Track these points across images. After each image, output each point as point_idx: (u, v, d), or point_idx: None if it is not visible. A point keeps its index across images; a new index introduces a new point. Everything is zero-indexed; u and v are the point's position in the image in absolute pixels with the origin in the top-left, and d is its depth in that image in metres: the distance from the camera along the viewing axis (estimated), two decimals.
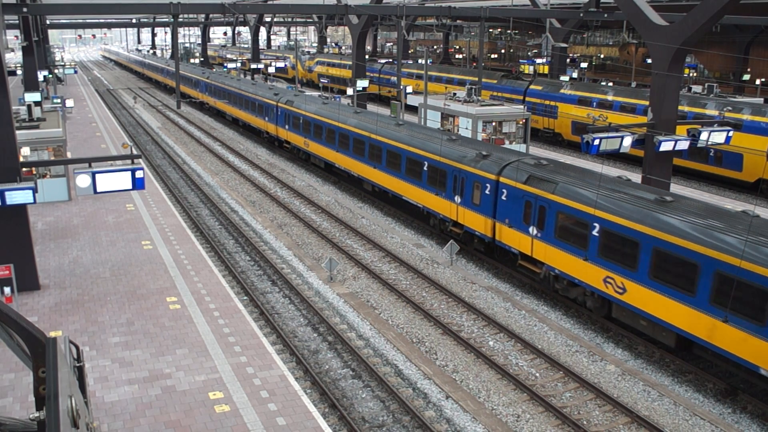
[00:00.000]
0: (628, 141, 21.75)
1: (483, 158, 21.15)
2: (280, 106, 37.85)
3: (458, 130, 32.46)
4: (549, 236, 18.26)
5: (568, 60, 53.00)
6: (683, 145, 22.28)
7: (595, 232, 16.73)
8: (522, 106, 35.11)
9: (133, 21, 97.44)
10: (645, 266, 15.36)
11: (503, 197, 19.90)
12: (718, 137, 23.09)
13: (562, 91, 41.45)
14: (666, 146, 21.83)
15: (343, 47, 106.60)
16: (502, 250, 20.92)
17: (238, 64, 75.50)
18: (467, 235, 22.31)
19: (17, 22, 35.71)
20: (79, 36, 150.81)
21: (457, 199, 22.05)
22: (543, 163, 19.69)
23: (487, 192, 20.63)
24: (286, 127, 37.07)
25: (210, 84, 54.97)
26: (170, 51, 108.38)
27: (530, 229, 18.90)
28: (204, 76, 57.75)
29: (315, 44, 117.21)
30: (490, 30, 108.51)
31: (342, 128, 30.07)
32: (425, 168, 23.79)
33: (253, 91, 43.39)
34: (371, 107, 47.61)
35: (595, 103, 38.91)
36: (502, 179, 20.00)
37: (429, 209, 23.99)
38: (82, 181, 16.30)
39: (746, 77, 62.13)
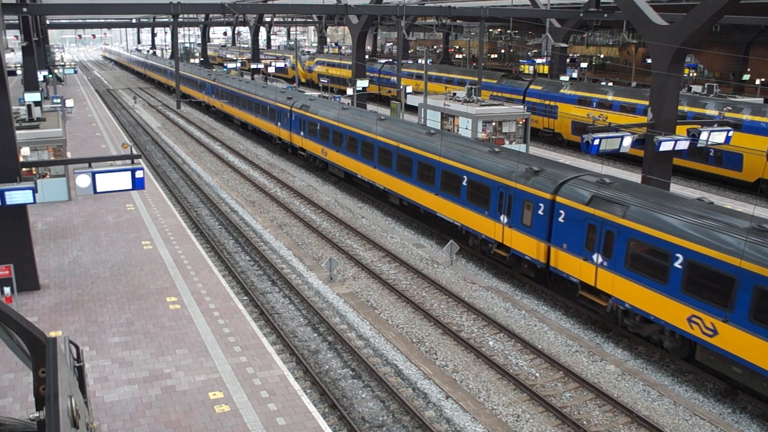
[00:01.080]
0: (628, 141, 21.76)
1: (534, 174, 18.96)
2: (295, 111, 35.57)
3: (458, 130, 32.45)
4: (618, 266, 16.10)
5: (568, 60, 52.99)
6: (683, 145, 22.29)
7: (678, 264, 14.65)
8: (522, 106, 35.12)
9: (133, 21, 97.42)
10: (744, 306, 13.38)
11: (560, 219, 17.72)
12: (718, 137, 23.10)
13: (562, 91, 41.45)
14: (666, 146, 21.84)
15: (343, 47, 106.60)
16: (557, 277, 18.87)
17: (238, 64, 75.50)
18: (514, 258, 20.03)
19: (17, 22, 35.71)
20: (79, 36, 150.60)
21: (504, 218, 19.91)
22: (606, 182, 17.52)
23: (540, 212, 18.42)
24: (302, 133, 34.83)
25: (216, 86, 52.63)
26: (170, 51, 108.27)
27: (594, 257, 16.75)
28: (210, 77, 55.52)
29: (315, 44, 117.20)
30: (490, 30, 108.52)
31: (366, 137, 27.97)
32: (464, 183, 21.66)
33: (264, 94, 41.26)
34: (371, 107, 47.64)
35: (595, 103, 38.91)
36: (559, 199, 17.78)
37: (469, 228, 21.78)
38: (82, 181, 16.29)
39: (746, 77, 62.13)
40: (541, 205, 18.46)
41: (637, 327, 16.37)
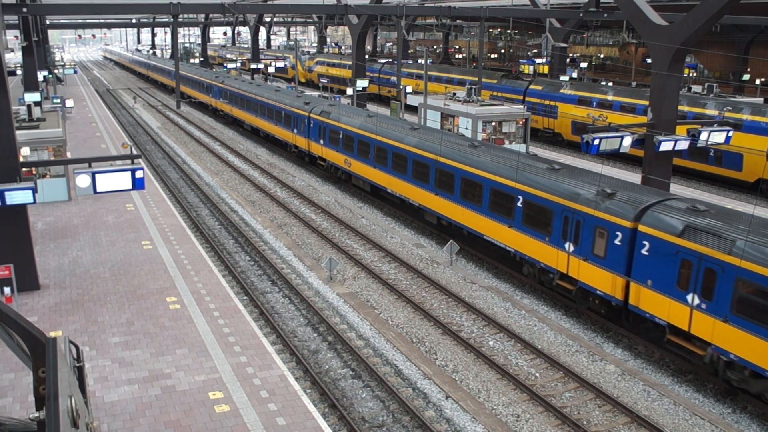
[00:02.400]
0: (627, 141, 21.76)
1: (608, 197, 16.68)
2: (314, 118, 33.04)
3: (458, 130, 32.45)
4: (721, 309, 13.84)
5: (567, 60, 53.01)
6: (683, 145, 22.28)
7: None
8: (522, 106, 35.13)
9: (133, 21, 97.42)
10: None
11: (644, 251, 15.40)
12: (718, 137, 23.09)
13: (561, 91, 41.46)
14: (666, 146, 21.84)
15: (343, 47, 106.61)
16: (636, 316, 16.34)
17: (238, 64, 75.48)
18: (582, 292, 17.64)
19: (17, 22, 35.69)
20: (79, 36, 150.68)
21: (569, 246, 17.55)
22: (700, 208, 15.16)
23: (617, 242, 16.08)
24: (321, 141, 32.29)
25: (224, 89, 50.06)
26: (170, 51, 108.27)
27: (689, 297, 14.50)
28: (217, 80, 52.81)
29: (315, 44, 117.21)
30: (490, 30, 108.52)
31: (398, 148, 25.49)
32: (519, 204, 19.28)
33: (278, 98, 38.62)
34: (371, 107, 47.64)
35: (594, 103, 38.91)
36: (642, 228, 15.48)
37: (523, 255, 19.38)
38: (82, 181, 16.29)
39: (746, 77, 62.14)
40: (618, 233, 16.08)
41: (744, 382, 13.98)
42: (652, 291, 15.33)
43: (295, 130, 35.80)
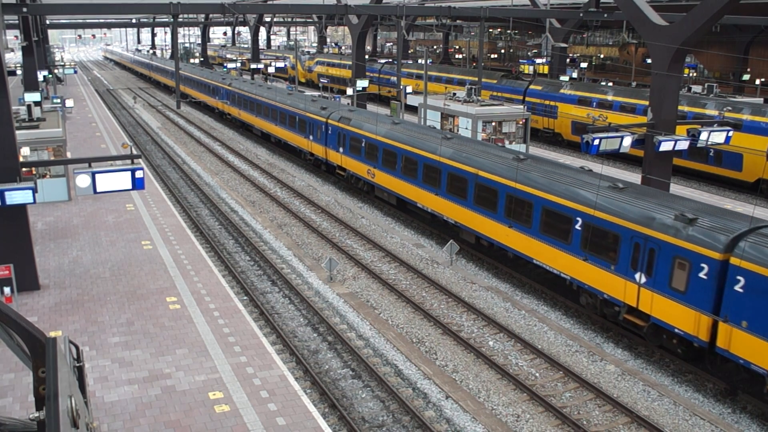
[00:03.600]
0: (627, 141, 21.76)
1: (690, 223, 14.72)
2: (332, 124, 30.94)
3: (458, 130, 32.46)
4: None
5: (567, 60, 53.01)
6: (683, 145, 22.29)
7: None
8: (522, 106, 35.12)
9: (133, 21, 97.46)
10: None
11: (738, 287, 13.47)
12: (718, 137, 23.10)
13: (561, 91, 41.46)
14: (666, 146, 21.84)
15: (343, 47, 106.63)
16: (725, 360, 14.34)
17: (238, 64, 75.49)
18: (654, 328, 15.67)
19: (17, 22, 35.71)
20: (79, 36, 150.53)
21: (640, 277, 15.54)
22: None
23: (702, 275, 14.15)
24: (341, 150, 30.20)
25: (233, 92, 47.75)
26: (170, 51, 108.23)
27: None
28: (225, 82, 50.30)
29: (315, 44, 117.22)
30: (490, 30, 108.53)
31: (430, 159, 23.47)
32: (578, 227, 17.27)
33: (292, 103, 36.53)
34: (371, 107, 47.63)
35: (595, 103, 38.91)
36: (735, 260, 13.55)
37: (582, 284, 17.30)
38: (82, 181, 16.29)
39: (746, 77, 62.14)
40: (704, 266, 14.15)
41: None
42: (748, 334, 13.36)
43: (311, 137, 33.63)
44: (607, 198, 16.77)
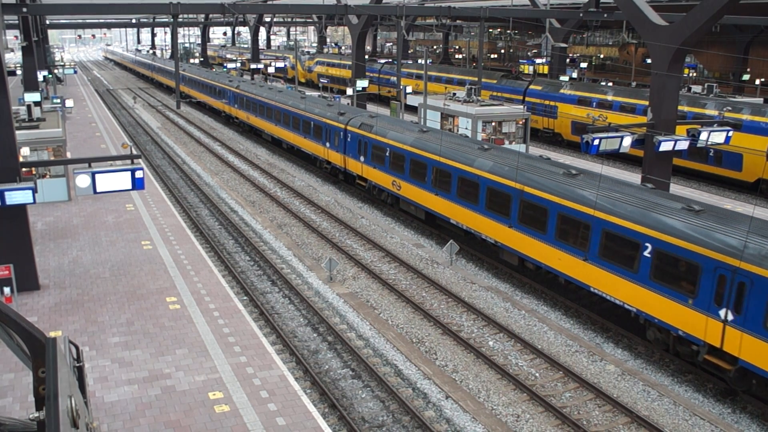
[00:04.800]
0: (627, 141, 21.76)
1: None
2: (352, 131, 29.17)
3: (458, 130, 32.46)
4: None
5: (567, 60, 53.01)
6: (683, 145, 22.29)
7: None
8: (522, 106, 35.13)
9: (133, 21, 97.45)
10: None
11: None
12: (718, 137, 23.10)
13: (561, 91, 41.47)
14: (666, 146, 21.84)
15: (343, 47, 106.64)
16: None
17: (238, 64, 75.49)
18: (742, 372, 13.89)
19: (17, 22, 35.70)
20: (79, 36, 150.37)
21: (726, 314, 13.75)
22: None
23: None
24: (362, 159, 28.31)
25: (241, 94, 45.74)
26: (170, 51, 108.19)
27: None
28: (233, 84, 48.21)
29: (315, 44, 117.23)
30: (490, 30, 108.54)
31: (467, 172, 21.58)
32: (647, 254, 15.33)
33: (306, 107, 34.60)
34: (371, 107, 47.64)
35: (594, 103, 38.92)
36: None
37: (653, 318, 15.36)
38: (82, 181, 16.30)
39: (746, 77, 62.15)
40: None
41: None
42: None
43: (328, 144, 31.75)
44: (682, 222, 14.80)
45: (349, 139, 29.54)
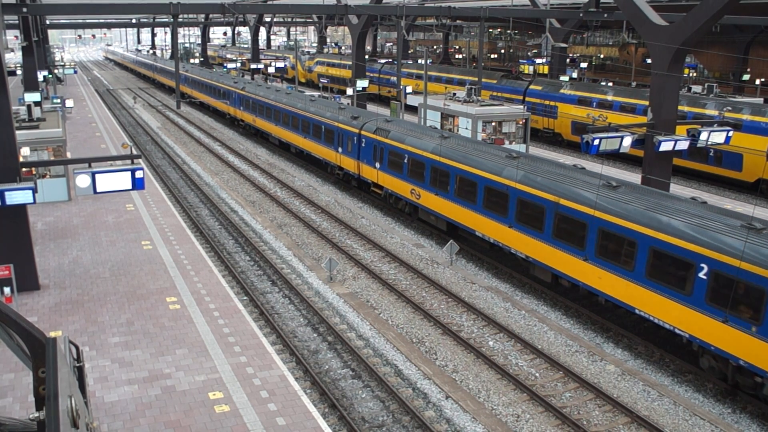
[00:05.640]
0: (627, 141, 21.75)
1: None
2: (366, 136, 27.94)
3: (458, 131, 32.46)
4: None
5: (567, 60, 53.01)
6: (683, 145, 22.29)
7: None
8: (522, 106, 35.12)
9: (133, 21, 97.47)
10: None
11: None
12: (718, 137, 23.10)
13: (561, 91, 41.46)
14: (666, 146, 21.84)
15: (343, 47, 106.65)
16: None
17: (238, 64, 75.49)
18: None
19: (17, 22, 35.71)
20: (79, 36, 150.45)
21: None
22: None
23: None
24: (377, 165, 27.09)
25: (246, 96, 44.32)
26: (170, 51, 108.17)
27: None
28: (237, 85, 46.82)
29: (315, 44, 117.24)
30: (490, 30, 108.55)
31: (495, 182, 20.26)
32: (703, 275, 14.14)
33: (317, 110, 33.30)
34: (371, 107, 47.64)
35: (594, 103, 38.91)
36: None
37: (708, 344, 14.17)
38: (82, 181, 16.29)
39: (746, 77, 62.15)
40: None
41: None
42: None
43: (340, 149, 30.53)
44: (744, 242, 13.43)
45: (363, 145, 28.31)
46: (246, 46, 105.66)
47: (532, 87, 43.78)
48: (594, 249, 16.78)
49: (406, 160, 25.05)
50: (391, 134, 26.24)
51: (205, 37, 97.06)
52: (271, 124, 40.15)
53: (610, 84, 50.92)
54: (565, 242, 17.72)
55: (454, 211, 22.52)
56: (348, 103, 41.00)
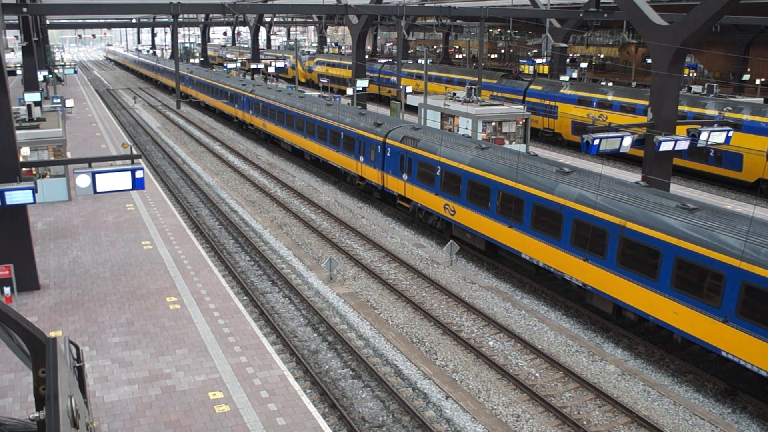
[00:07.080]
0: (628, 141, 21.76)
1: None
2: (392, 145, 25.83)
3: (458, 130, 32.47)
4: None
5: (568, 60, 53.02)
6: (683, 145, 22.29)
7: None
8: (522, 106, 35.13)
9: (133, 21, 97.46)
10: None
11: None
12: (718, 137, 23.10)
13: (561, 91, 41.46)
14: (666, 146, 21.84)
15: (343, 47, 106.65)
16: None
17: (238, 64, 75.50)
18: None
19: (17, 22, 35.71)
20: (79, 36, 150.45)
21: None
22: None
23: None
24: (405, 177, 25.05)
25: (256, 100, 42.33)
26: (170, 51, 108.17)
27: None
28: (245, 88, 45.06)
29: (315, 44, 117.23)
30: (490, 30, 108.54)
31: (545, 199, 18.37)
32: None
33: (335, 116, 31.35)
34: (371, 107, 47.64)
35: (595, 103, 38.91)
36: None
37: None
38: (82, 181, 16.30)
39: (746, 77, 62.16)
40: None
41: None
42: None
43: (362, 158, 28.45)
44: None
45: (388, 154, 26.17)
46: (246, 46, 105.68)
47: (532, 87, 43.79)
48: (670, 280, 14.81)
49: (438, 173, 23.05)
50: (420, 143, 24.25)
51: (205, 37, 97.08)
52: (282, 129, 38.18)
53: (610, 84, 50.92)
54: (633, 271, 15.76)
55: (495, 230, 20.53)
56: (348, 103, 41.01)
